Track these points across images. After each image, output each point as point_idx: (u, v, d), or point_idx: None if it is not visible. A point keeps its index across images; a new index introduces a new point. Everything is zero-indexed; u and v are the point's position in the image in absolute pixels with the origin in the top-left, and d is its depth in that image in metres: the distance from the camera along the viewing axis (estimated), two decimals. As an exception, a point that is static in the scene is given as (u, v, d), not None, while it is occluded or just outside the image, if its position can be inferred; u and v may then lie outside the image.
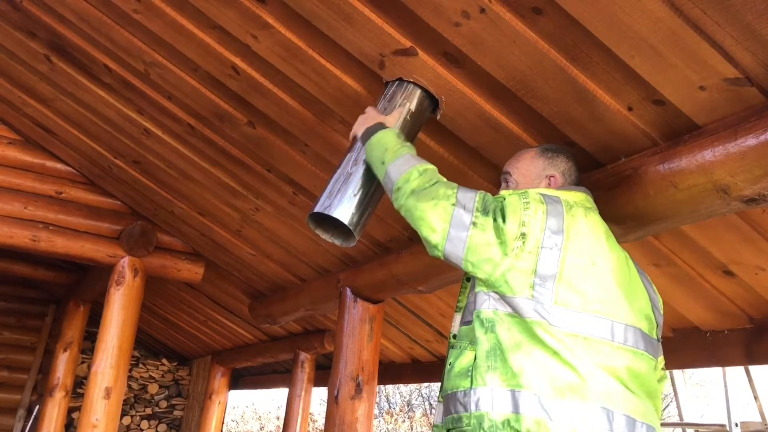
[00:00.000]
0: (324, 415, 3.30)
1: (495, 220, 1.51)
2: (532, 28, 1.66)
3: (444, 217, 1.54)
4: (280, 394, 16.22)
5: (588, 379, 1.41)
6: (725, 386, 7.29)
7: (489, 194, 1.59)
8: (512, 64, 1.78)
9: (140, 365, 7.92)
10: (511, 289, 1.47)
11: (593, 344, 1.44)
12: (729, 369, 7.27)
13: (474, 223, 1.52)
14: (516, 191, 1.60)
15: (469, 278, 1.69)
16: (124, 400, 7.48)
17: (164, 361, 8.05)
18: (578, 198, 1.66)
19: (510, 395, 1.42)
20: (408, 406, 14.69)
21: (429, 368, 4.66)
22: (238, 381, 7.90)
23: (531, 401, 1.39)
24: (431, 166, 1.68)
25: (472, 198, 1.56)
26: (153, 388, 7.90)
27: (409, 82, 1.98)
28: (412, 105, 1.96)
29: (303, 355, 5.46)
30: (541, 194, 1.57)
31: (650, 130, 1.79)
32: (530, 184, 1.76)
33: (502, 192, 1.63)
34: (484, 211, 1.53)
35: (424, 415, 14.17)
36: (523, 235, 1.48)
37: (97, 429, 4.00)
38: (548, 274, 1.46)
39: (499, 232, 1.49)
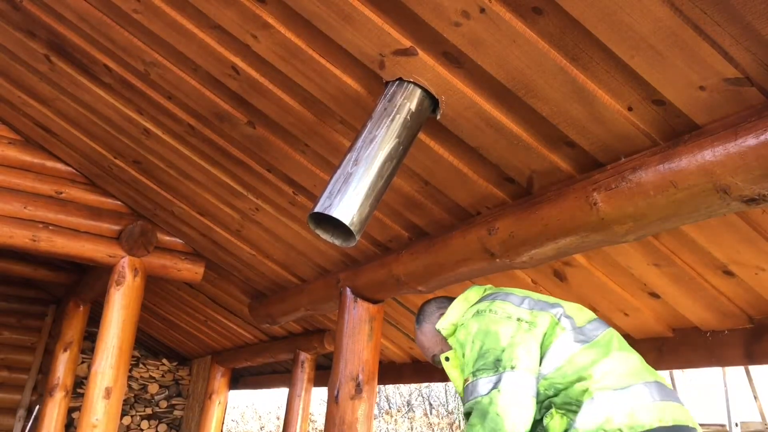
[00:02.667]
0: (324, 415, 3.29)
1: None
2: (532, 28, 1.66)
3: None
4: (280, 394, 16.21)
5: None
6: (725, 386, 7.29)
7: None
8: (512, 64, 1.77)
9: (140, 365, 7.92)
10: None
11: None
12: (729, 369, 7.27)
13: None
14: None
15: None
16: (124, 400, 7.48)
17: (164, 361, 8.05)
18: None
19: None
20: (408, 406, 14.69)
21: (429, 368, 4.65)
22: (238, 381, 7.90)
23: None
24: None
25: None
26: (153, 388, 7.90)
27: (409, 82, 1.98)
28: (412, 105, 1.96)
29: (303, 355, 5.46)
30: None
31: (650, 130, 1.79)
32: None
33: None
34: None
35: (424, 415, 14.17)
36: None
37: (97, 429, 4.00)
38: None
39: None
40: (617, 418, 1.67)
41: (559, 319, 1.88)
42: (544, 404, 1.82)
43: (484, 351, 1.84)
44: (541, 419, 1.82)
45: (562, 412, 1.77)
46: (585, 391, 1.73)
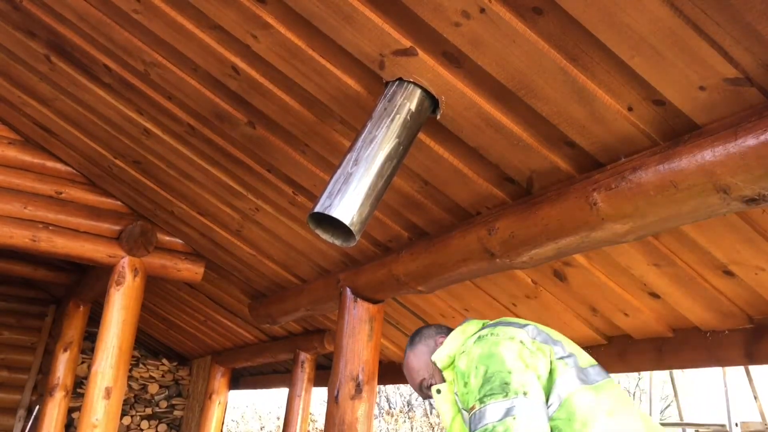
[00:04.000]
0: (324, 415, 3.29)
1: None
2: (532, 28, 1.66)
3: None
4: (280, 394, 16.21)
5: None
6: (725, 386, 7.29)
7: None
8: (512, 64, 1.77)
9: (140, 365, 7.92)
10: None
11: None
12: (729, 369, 7.27)
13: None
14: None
15: None
16: (124, 400, 7.48)
17: (164, 361, 8.05)
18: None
19: None
20: (408, 406, 14.68)
21: (429, 368, 4.65)
22: (238, 381, 7.90)
23: None
24: None
25: None
26: (153, 388, 7.90)
27: (409, 82, 1.98)
28: (412, 105, 1.96)
29: (303, 355, 5.46)
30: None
31: (650, 130, 1.79)
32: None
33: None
34: None
35: (424, 415, 14.17)
36: None
37: (97, 429, 4.00)
38: None
39: None
40: None
41: (563, 356, 1.77)
42: None
43: (490, 375, 1.69)
44: None
45: None
46: None
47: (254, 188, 3.35)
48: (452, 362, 1.93)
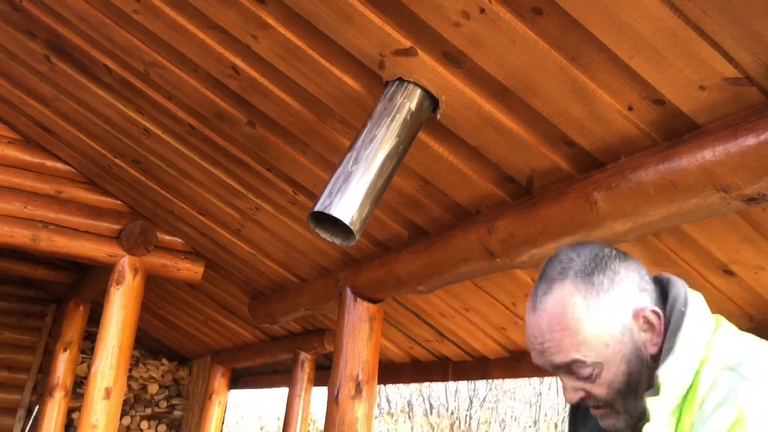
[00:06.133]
0: (324, 415, 3.29)
1: None
2: (532, 28, 1.66)
3: None
4: (280, 394, 16.23)
5: None
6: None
7: None
8: (512, 64, 1.78)
9: (140, 365, 7.92)
10: None
11: None
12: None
13: None
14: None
15: None
16: (124, 400, 7.47)
17: (164, 361, 8.05)
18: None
19: None
20: (408, 406, 14.69)
21: (429, 368, 4.65)
22: (238, 381, 7.90)
23: None
24: None
25: None
26: (153, 388, 7.90)
27: (409, 81, 1.98)
28: (412, 105, 1.96)
29: (303, 355, 5.46)
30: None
31: (650, 130, 1.79)
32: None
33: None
34: None
35: (424, 415, 14.18)
36: None
37: (97, 429, 4.00)
38: None
39: None
40: None
41: None
42: None
43: None
44: None
45: None
46: None
47: (254, 188, 3.36)
48: (686, 395, 1.02)
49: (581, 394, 1.07)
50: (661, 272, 1.16)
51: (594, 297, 1.04)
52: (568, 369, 1.06)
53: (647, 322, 1.07)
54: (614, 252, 1.11)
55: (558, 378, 1.10)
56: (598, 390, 1.06)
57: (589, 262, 1.08)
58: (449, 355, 4.34)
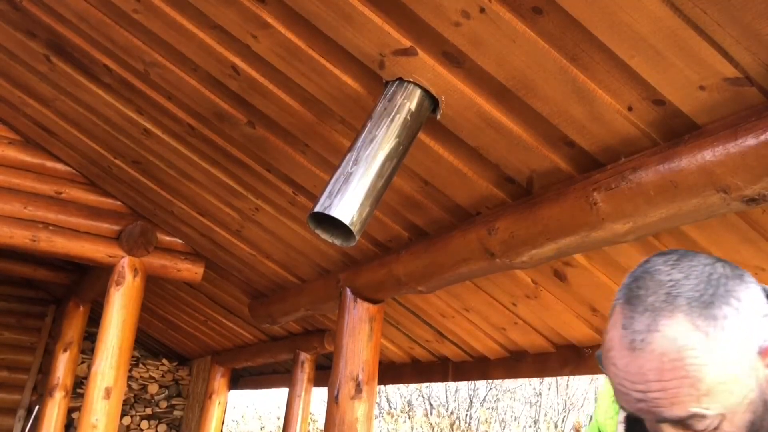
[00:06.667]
0: (324, 415, 3.29)
1: None
2: (532, 28, 1.66)
3: None
4: (280, 394, 16.23)
5: None
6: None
7: None
8: (512, 64, 1.77)
9: (140, 365, 7.92)
10: None
11: None
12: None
13: None
14: None
15: None
16: (124, 400, 7.48)
17: (164, 361, 8.05)
18: None
19: None
20: (408, 406, 14.69)
21: (429, 368, 4.65)
22: (238, 381, 7.90)
23: None
24: None
25: None
26: (153, 388, 7.90)
27: (409, 82, 1.98)
28: (412, 105, 1.96)
29: (303, 355, 5.46)
30: None
31: (650, 130, 1.79)
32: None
33: None
34: None
35: (424, 415, 14.18)
36: None
37: (97, 429, 4.00)
38: None
39: None
40: None
41: None
42: None
43: None
44: None
45: None
46: None
47: (254, 188, 3.35)
48: None
49: None
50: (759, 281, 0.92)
51: (717, 334, 0.79)
52: (681, 424, 0.81)
53: None
54: (728, 268, 0.88)
55: (645, 421, 0.85)
56: None
57: (704, 287, 0.82)
58: (449, 356, 4.34)
